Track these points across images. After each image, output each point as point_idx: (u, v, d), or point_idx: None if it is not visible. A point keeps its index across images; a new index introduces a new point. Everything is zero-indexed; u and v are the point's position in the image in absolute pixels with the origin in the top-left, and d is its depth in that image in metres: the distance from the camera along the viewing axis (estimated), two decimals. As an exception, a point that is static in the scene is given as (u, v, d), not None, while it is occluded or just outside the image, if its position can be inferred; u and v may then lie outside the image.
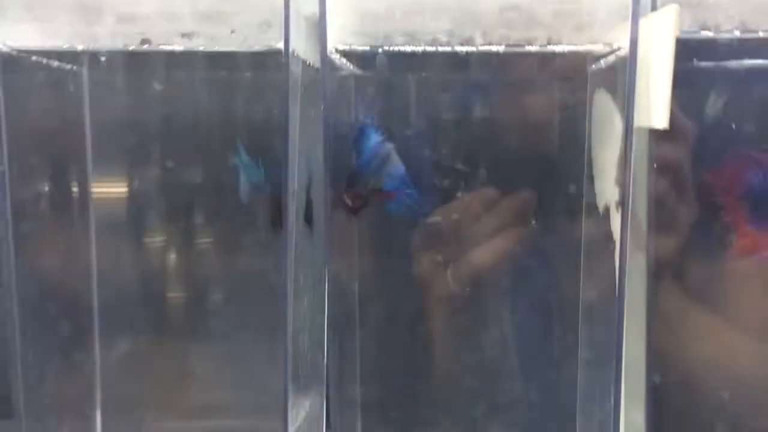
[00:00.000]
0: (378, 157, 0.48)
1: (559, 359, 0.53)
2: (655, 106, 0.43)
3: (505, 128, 0.52)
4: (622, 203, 0.45)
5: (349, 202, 0.48)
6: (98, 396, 0.57)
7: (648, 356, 0.47)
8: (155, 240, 0.57)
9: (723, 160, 0.49)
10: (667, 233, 0.49)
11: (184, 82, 0.54)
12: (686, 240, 0.51)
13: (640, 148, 0.46)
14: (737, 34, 0.47)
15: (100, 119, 0.55)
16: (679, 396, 0.52)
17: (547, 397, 0.54)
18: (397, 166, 0.48)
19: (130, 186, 0.56)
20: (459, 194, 0.51)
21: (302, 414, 0.53)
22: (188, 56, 0.51)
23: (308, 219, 0.51)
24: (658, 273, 0.48)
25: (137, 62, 0.53)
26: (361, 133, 0.48)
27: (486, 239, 0.53)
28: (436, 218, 0.52)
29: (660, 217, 0.47)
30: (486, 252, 0.53)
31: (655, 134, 0.46)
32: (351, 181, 0.48)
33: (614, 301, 0.45)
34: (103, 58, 0.53)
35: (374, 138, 0.48)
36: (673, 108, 0.43)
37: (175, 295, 0.57)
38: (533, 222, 0.52)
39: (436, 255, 0.53)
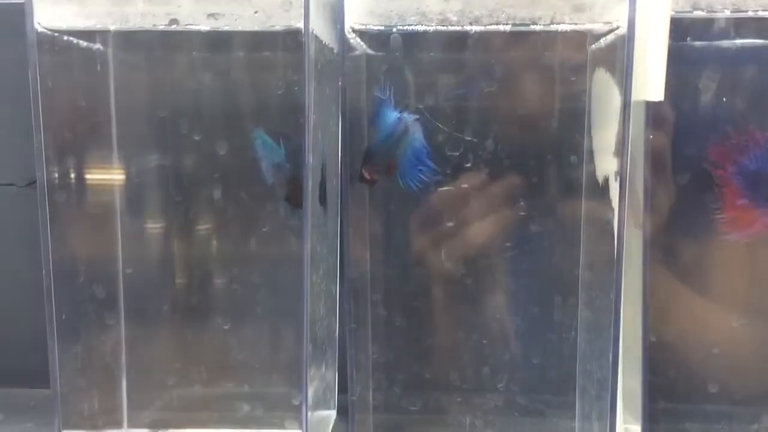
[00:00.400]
0: (395, 133, 0.50)
1: (559, 323, 0.56)
2: (651, 80, 0.46)
3: (511, 105, 0.55)
4: (620, 174, 0.47)
5: (367, 175, 0.50)
6: (124, 360, 0.59)
7: (644, 319, 0.50)
8: (173, 219, 0.59)
9: (719, 136, 0.51)
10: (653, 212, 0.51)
11: (205, 62, 0.56)
12: (669, 217, 0.53)
13: (637, 122, 0.48)
14: (728, 13, 0.49)
15: (125, 98, 0.57)
16: (670, 361, 0.55)
17: (549, 359, 0.57)
18: (413, 142, 0.51)
19: (151, 163, 0.58)
20: (468, 165, 0.54)
21: (318, 376, 0.56)
22: (211, 36, 0.53)
23: (322, 200, 0.54)
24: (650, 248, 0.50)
25: (161, 42, 0.55)
26: (379, 111, 0.50)
27: (477, 221, 0.56)
28: (431, 203, 0.55)
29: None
30: (477, 233, 0.56)
31: (651, 123, 0.48)
32: (368, 156, 0.50)
33: (613, 269, 0.48)
34: (98, 46, 0.54)
35: (392, 115, 0.50)
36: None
37: (196, 267, 0.60)
38: (521, 203, 0.55)
39: (431, 236, 0.56)
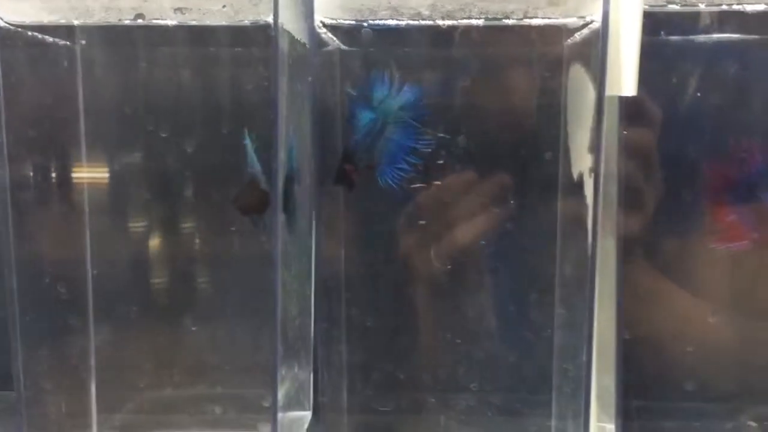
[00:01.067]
0: (372, 132, 0.49)
1: (536, 321, 0.56)
2: (624, 75, 0.45)
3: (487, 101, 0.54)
4: (595, 171, 0.47)
5: (352, 176, 0.49)
6: (92, 364, 0.58)
7: (618, 317, 0.49)
8: (143, 219, 0.58)
9: (712, 149, 0.51)
10: (635, 211, 0.51)
11: (172, 58, 0.55)
12: (652, 218, 0.53)
13: (611, 118, 0.48)
14: (703, 7, 0.49)
15: (93, 95, 0.56)
16: (645, 358, 0.55)
17: (525, 357, 0.56)
18: (389, 142, 0.50)
19: (121, 164, 0.57)
20: (442, 163, 0.53)
21: (290, 377, 0.55)
22: (177, 31, 0.52)
23: (287, 210, 0.52)
24: (627, 248, 0.50)
25: (128, 37, 0.54)
26: (353, 109, 0.49)
27: (466, 220, 0.55)
28: (420, 202, 0.54)
29: (629, 196, 0.49)
30: (466, 232, 0.55)
31: (625, 118, 0.48)
32: (346, 158, 0.49)
33: (587, 268, 0.48)
34: (65, 41, 0.53)
35: (367, 114, 0.49)
36: (642, 95, 0.45)
37: (166, 267, 0.59)
38: (511, 202, 0.54)
39: (420, 236, 0.55)
